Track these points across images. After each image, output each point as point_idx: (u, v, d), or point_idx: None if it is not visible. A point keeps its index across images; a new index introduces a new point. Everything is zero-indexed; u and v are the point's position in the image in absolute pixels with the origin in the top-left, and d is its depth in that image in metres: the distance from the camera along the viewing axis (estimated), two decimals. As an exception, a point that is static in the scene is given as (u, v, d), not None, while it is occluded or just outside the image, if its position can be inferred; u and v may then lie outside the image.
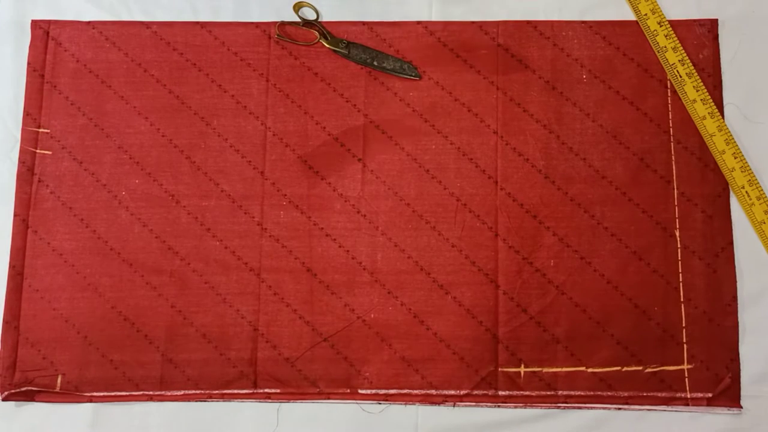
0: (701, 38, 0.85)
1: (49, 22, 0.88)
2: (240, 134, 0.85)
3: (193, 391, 0.80)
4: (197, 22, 0.88)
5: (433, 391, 0.79)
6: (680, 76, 0.80)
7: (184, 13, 0.89)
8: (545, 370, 0.79)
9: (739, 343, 0.79)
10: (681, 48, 0.81)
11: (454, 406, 0.79)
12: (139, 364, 0.81)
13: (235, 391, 0.80)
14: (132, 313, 0.82)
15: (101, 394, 0.80)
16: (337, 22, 0.87)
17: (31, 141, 0.85)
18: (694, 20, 0.86)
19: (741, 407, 0.77)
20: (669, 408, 0.78)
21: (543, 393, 0.79)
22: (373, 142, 0.85)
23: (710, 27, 0.85)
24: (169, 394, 0.80)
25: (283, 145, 0.85)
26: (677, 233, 0.81)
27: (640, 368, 0.79)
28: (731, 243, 0.81)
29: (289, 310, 0.81)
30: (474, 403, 0.79)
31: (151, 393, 0.80)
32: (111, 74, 0.87)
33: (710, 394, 0.78)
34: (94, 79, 0.87)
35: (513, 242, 0.82)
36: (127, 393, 0.80)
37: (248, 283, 0.82)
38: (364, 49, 0.86)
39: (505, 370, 0.79)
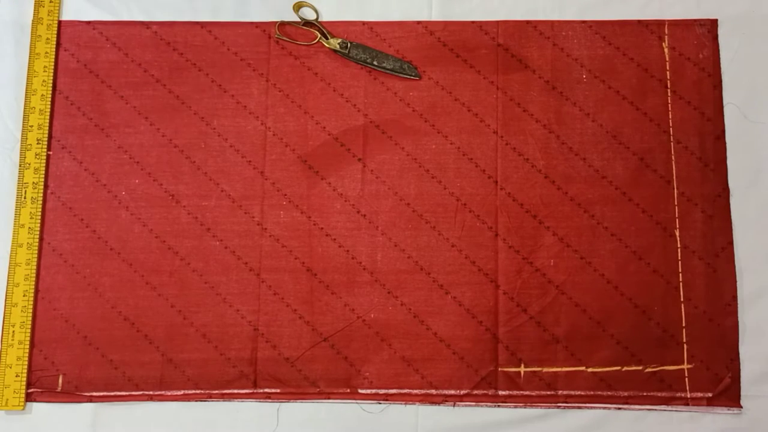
0: (701, 38, 0.85)
1: (49, 22, 0.88)
2: (240, 134, 0.85)
3: (193, 391, 0.80)
4: (197, 22, 0.88)
5: (433, 391, 0.79)
6: None
7: (184, 13, 0.89)
8: (545, 369, 0.79)
9: (739, 343, 0.79)
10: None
11: (454, 405, 0.79)
12: (139, 364, 0.81)
13: (235, 391, 0.80)
14: (132, 313, 0.82)
15: (101, 394, 0.80)
16: (337, 22, 0.87)
17: (31, 141, 0.86)
18: (694, 20, 0.86)
19: (741, 407, 0.77)
20: (669, 408, 0.78)
21: (543, 393, 0.79)
22: (373, 142, 0.85)
23: (710, 27, 0.85)
24: (169, 394, 0.80)
25: (283, 145, 0.85)
26: (677, 233, 0.81)
27: (640, 368, 0.79)
28: (731, 243, 0.81)
29: (289, 310, 0.81)
30: (474, 403, 0.79)
31: (151, 393, 0.80)
32: (111, 74, 0.87)
33: (710, 394, 0.78)
34: (94, 79, 0.87)
35: (513, 242, 0.82)
36: (127, 393, 0.80)
37: (248, 283, 0.82)
38: (364, 49, 0.86)
39: (505, 369, 0.79)
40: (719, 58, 0.85)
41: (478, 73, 0.85)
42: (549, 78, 0.85)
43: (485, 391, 0.79)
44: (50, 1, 0.89)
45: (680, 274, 0.80)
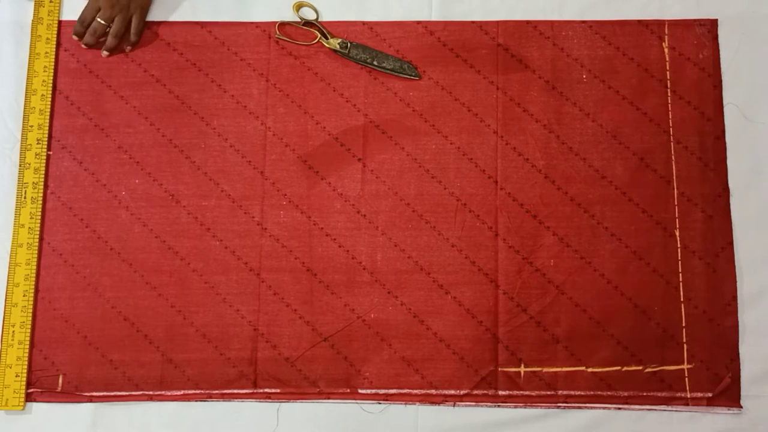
0: (701, 38, 0.85)
1: (49, 22, 0.88)
2: (240, 134, 0.85)
3: (193, 391, 0.80)
4: (197, 22, 0.88)
5: (433, 391, 0.79)
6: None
7: (184, 13, 0.89)
8: (545, 369, 0.79)
9: (739, 343, 0.79)
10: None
11: (454, 406, 0.79)
12: (139, 364, 0.81)
13: (235, 391, 0.80)
14: (132, 313, 0.82)
15: (101, 394, 0.80)
16: (337, 22, 0.87)
17: (31, 141, 0.86)
18: (694, 20, 0.86)
19: (741, 407, 0.77)
20: (669, 408, 0.78)
21: (543, 393, 0.79)
22: (373, 141, 0.85)
23: (710, 27, 0.85)
24: (169, 394, 0.80)
25: (283, 145, 0.85)
26: (677, 233, 0.81)
27: (640, 368, 0.79)
28: (731, 243, 0.81)
29: (289, 310, 0.81)
30: (474, 403, 0.79)
31: (151, 393, 0.80)
32: (111, 74, 0.87)
33: (710, 394, 0.78)
34: (94, 79, 0.87)
35: (513, 242, 0.82)
36: (127, 393, 0.80)
37: (248, 283, 0.82)
38: (364, 49, 0.86)
39: (505, 369, 0.79)
40: (719, 58, 0.85)
41: (478, 73, 0.85)
42: (549, 78, 0.85)
43: (485, 391, 0.79)
44: (50, 1, 0.89)
45: (680, 274, 0.80)
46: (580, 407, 0.78)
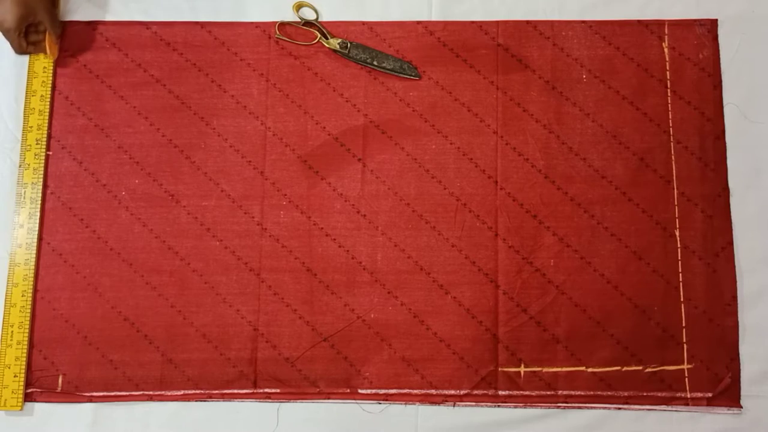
0: (701, 38, 0.85)
1: (49, 22, 0.88)
2: (240, 134, 0.85)
3: (193, 391, 0.80)
4: (197, 22, 0.88)
5: (433, 391, 0.79)
6: None
7: (184, 13, 0.89)
8: (545, 369, 0.79)
9: (739, 343, 0.79)
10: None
11: (454, 406, 0.79)
12: (139, 364, 0.81)
13: (235, 391, 0.80)
14: (132, 313, 0.82)
15: (101, 394, 0.80)
16: (337, 22, 0.87)
17: (31, 141, 0.86)
18: (694, 20, 0.86)
19: (741, 407, 0.77)
20: (669, 408, 0.78)
21: (543, 393, 0.79)
22: (373, 142, 0.85)
23: (710, 27, 0.85)
24: (169, 394, 0.80)
25: (283, 145, 0.85)
26: (677, 233, 0.81)
27: (640, 368, 0.79)
28: (731, 243, 0.81)
29: (289, 310, 0.81)
30: (474, 403, 0.79)
31: (151, 393, 0.80)
32: (111, 74, 0.87)
33: (710, 394, 0.78)
34: (94, 79, 0.87)
35: (513, 242, 0.82)
36: (127, 393, 0.80)
37: (248, 283, 0.82)
38: (364, 49, 0.86)
39: (505, 369, 0.79)
40: (719, 58, 0.85)
41: (478, 73, 0.85)
42: (549, 78, 0.85)
43: (485, 391, 0.79)
44: (50, 1, 0.89)
45: (680, 274, 0.80)
46: (580, 407, 0.78)
